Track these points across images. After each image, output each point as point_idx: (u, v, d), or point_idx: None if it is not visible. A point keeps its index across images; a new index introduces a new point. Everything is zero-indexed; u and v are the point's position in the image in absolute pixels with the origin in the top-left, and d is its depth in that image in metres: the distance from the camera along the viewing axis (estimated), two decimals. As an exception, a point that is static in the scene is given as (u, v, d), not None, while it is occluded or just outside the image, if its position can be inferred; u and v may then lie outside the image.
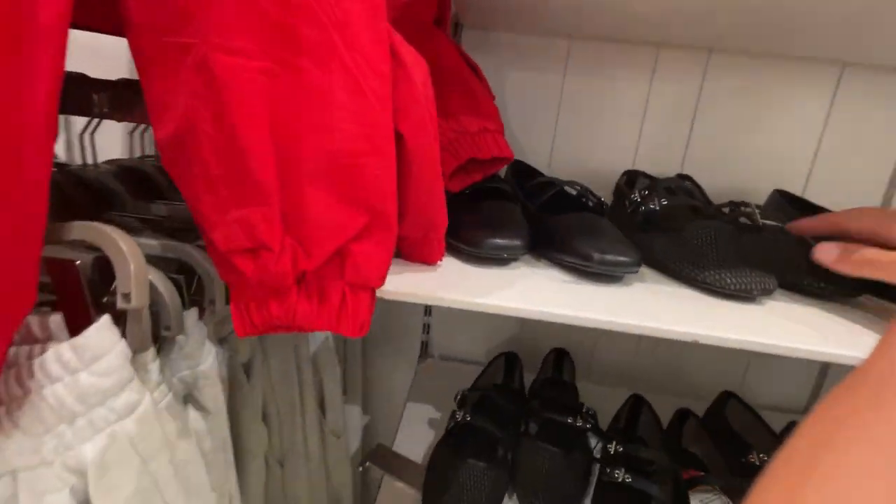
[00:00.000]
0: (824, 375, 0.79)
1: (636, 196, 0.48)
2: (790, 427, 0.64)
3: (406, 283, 0.36)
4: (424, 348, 0.86)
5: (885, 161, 0.70)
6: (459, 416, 0.59)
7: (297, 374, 0.54)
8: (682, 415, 0.64)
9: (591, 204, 0.48)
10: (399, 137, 0.31)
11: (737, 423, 0.67)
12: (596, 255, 0.37)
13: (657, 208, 0.44)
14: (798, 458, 0.17)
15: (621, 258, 0.38)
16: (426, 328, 0.85)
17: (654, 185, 0.48)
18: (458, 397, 0.63)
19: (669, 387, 0.81)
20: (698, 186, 0.54)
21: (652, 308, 0.36)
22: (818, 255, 0.39)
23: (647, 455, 0.53)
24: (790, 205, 0.55)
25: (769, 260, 0.41)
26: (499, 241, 0.38)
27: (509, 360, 0.74)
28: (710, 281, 0.38)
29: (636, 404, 0.66)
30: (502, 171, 0.59)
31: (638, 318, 0.33)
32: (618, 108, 0.71)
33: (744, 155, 0.71)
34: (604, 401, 0.70)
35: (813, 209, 0.57)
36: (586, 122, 0.72)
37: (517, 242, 0.39)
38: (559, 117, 0.72)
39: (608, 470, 0.53)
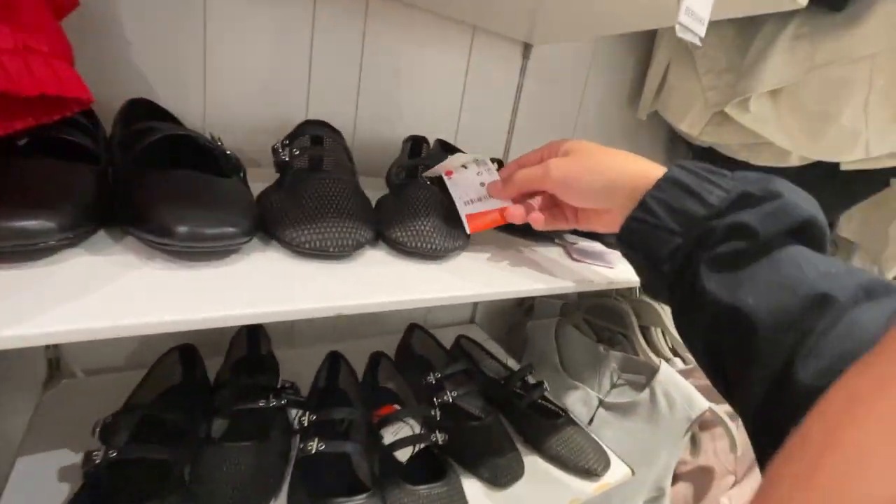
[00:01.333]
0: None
1: (281, 151, 0.42)
2: (460, 340, 0.78)
3: None
4: (53, 366, 0.61)
5: (505, 114, 0.87)
6: (99, 456, 0.43)
7: None
8: (376, 357, 0.68)
9: (224, 163, 0.39)
10: None
11: (422, 349, 0.76)
12: (180, 230, 0.28)
13: (288, 160, 0.40)
14: (814, 436, 0.15)
15: (216, 230, 0.29)
16: (51, 339, 0.60)
17: (292, 138, 0.43)
18: (99, 429, 0.46)
19: (370, 330, 0.86)
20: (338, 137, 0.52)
21: (273, 287, 0.31)
22: (489, 190, 0.44)
23: (338, 415, 0.53)
24: (449, 152, 0.62)
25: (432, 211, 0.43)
26: (17, 224, 0.25)
27: (184, 354, 0.60)
28: (288, 239, 0.34)
29: (333, 361, 0.65)
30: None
31: (256, 305, 0.28)
32: (286, 57, 0.62)
33: (408, 106, 0.75)
34: (309, 363, 0.67)
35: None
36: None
37: (51, 224, 0.26)
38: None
39: (302, 445, 0.50)
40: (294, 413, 0.58)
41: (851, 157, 0.72)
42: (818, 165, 0.83)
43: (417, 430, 0.58)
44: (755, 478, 0.67)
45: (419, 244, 0.38)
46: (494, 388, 0.70)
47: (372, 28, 0.67)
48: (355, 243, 0.36)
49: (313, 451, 0.49)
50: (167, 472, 0.47)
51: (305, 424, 0.52)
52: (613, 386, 0.77)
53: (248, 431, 0.53)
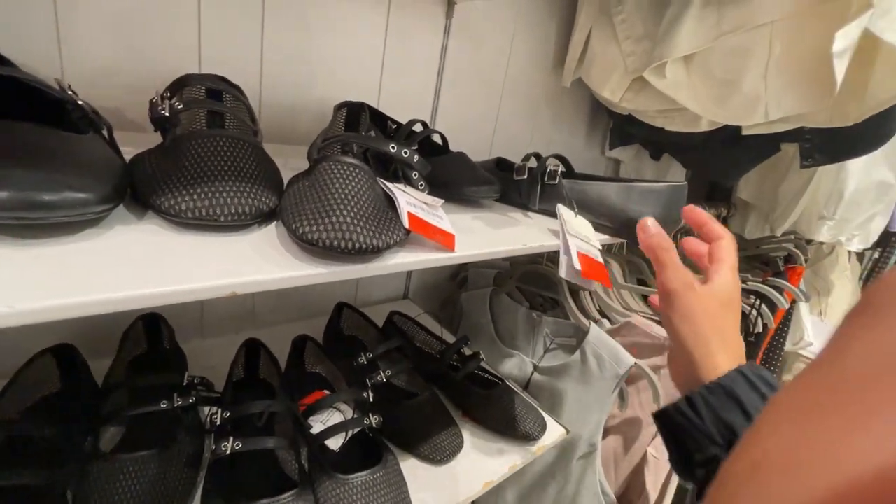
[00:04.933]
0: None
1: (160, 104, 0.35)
2: (392, 317, 0.74)
3: None
4: None
5: (430, 76, 0.82)
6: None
7: None
8: (300, 342, 0.62)
9: (76, 116, 0.31)
10: None
11: (352, 329, 0.71)
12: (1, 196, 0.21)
13: (169, 115, 0.33)
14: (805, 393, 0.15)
15: (55, 196, 0.22)
16: None
17: (175, 89, 0.35)
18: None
19: (295, 314, 0.79)
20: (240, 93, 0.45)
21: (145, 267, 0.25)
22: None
23: (256, 408, 0.47)
24: (377, 122, 0.56)
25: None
26: None
27: (61, 356, 0.51)
28: (165, 207, 0.28)
29: (251, 350, 0.59)
30: None
31: (122, 288, 0.22)
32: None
33: (322, 66, 0.68)
34: (225, 355, 0.59)
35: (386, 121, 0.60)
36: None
37: None
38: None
39: (215, 446, 0.44)
40: (207, 412, 0.52)
41: (752, 122, 0.77)
42: (723, 130, 0.89)
43: (350, 415, 0.55)
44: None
45: (337, 240, 0.28)
46: (430, 363, 0.67)
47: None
48: (255, 211, 0.30)
49: (228, 452, 0.43)
50: (43, 499, 0.39)
51: (218, 423, 0.46)
52: (547, 350, 0.78)
53: (148, 439, 0.46)
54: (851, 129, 0.76)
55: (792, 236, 1.11)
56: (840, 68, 0.63)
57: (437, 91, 0.83)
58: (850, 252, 1.28)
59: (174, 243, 0.27)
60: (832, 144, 0.85)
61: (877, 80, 0.69)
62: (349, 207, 0.30)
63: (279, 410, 0.49)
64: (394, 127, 0.58)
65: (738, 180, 1.14)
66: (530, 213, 0.59)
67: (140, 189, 0.30)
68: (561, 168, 0.60)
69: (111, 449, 0.45)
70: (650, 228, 0.38)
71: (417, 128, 0.57)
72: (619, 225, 0.54)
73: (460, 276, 0.95)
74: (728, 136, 0.91)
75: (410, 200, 0.36)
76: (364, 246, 0.28)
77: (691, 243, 0.41)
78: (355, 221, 0.29)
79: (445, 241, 0.36)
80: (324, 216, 0.28)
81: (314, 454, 0.49)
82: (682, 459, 0.32)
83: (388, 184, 0.37)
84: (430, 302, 0.99)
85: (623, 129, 1.10)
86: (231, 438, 0.44)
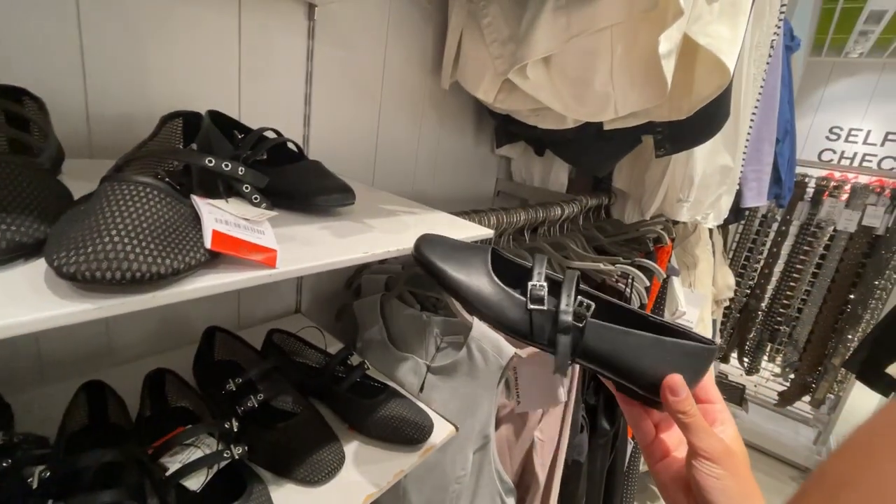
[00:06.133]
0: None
1: None
2: (271, 335, 0.70)
3: None
4: None
5: (298, 82, 0.79)
6: None
7: None
8: (155, 376, 0.57)
9: None
10: None
11: (225, 354, 0.67)
12: None
13: None
14: (833, 474, 0.15)
15: None
16: None
17: None
18: None
19: (164, 344, 0.73)
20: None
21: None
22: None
23: (86, 461, 0.42)
24: (222, 128, 0.52)
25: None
26: None
27: None
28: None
29: (92, 394, 0.53)
30: None
31: None
32: None
33: (162, 74, 0.62)
34: (63, 401, 0.52)
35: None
36: None
37: None
38: None
39: (32, 513, 0.38)
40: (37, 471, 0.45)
41: (606, 118, 0.83)
42: (590, 125, 0.96)
43: (215, 448, 0.51)
44: (556, 411, 0.76)
45: (101, 270, 0.24)
46: (313, 379, 0.65)
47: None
48: (12, 245, 0.26)
49: (49, 517, 0.38)
50: None
51: (34, 485, 0.40)
52: (438, 350, 0.79)
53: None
54: (689, 121, 0.85)
55: (661, 218, 1.23)
56: (668, 67, 0.71)
57: (308, 97, 0.81)
58: (710, 229, 1.45)
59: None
60: (678, 135, 0.95)
61: (699, 77, 0.78)
62: (123, 232, 0.27)
63: (114, 459, 0.44)
64: (241, 136, 0.55)
65: (611, 171, 1.25)
66: (402, 218, 0.58)
67: None
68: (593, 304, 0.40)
69: None
70: (680, 392, 0.35)
71: (277, 135, 0.54)
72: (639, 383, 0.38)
73: (354, 284, 0.93)
74: (595, 131, 0.98)
75: (222, 217, 0.34)
76: (138, 274, 0.26)
77: None
78: (129, 247, 0.26)
79: (265, 258, 0.34)
80: (87, 243, 0.25)
81: (166, 500, 0.44)
82: None
83: (198, 201, 0.34)
84: (326, 314, 0.96)
85: (505, 127, 1.15)
86: (50, 501, 0.39)
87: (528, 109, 0.97)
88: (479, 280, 0.40)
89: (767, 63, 1.15)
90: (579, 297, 0.38)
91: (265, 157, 0.55)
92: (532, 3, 0.82)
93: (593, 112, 0.84)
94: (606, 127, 0.91)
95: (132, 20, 0.58)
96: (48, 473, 0.41)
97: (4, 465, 0.42)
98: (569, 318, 0.37)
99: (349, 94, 0.88)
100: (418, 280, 0.86)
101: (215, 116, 0.54)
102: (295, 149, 0.57)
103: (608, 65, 0.79)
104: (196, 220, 0.33)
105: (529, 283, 0.39)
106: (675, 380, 0.35)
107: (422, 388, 0.78)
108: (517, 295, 0.39)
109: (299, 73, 0.79)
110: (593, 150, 1.05)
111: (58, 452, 0.46)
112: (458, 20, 0.95)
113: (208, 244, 0.30)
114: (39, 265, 0.28)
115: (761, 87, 1.16)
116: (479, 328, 0.72)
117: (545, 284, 0.39)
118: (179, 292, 0.29)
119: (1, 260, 0.27)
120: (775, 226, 2.34)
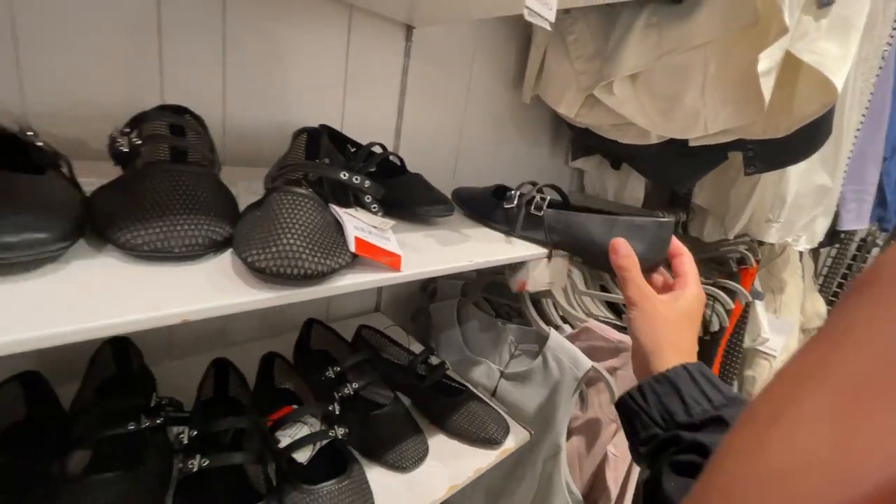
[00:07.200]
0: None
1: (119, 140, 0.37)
2: (361, 330, 0.76)
3: None
4: None
5: (393, 97, 0.86)
6: None
7: None
8: (268, 359, 0.64)
9: (36, 157, 0.33)
10: None
11: (321, 344, 0.74)
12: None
13: (128, 151, 0.35)
14: (763, 408, 0.15)
15: (17, 237, 0.25)
16: None
17: (135, 124, 0.37)
18: None
19: (264, 332, 0.81)
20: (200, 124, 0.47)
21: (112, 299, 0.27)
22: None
23: (222, 426, 0.49)
24: (336, 142, 0.58)
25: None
26: None
27: (27, 383, 0.52)
28: (122, 241, 0.30)
29: (219, 369, 0.60)
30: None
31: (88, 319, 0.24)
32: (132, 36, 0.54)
33: (286, 90, 0.70)
34: (196, 375, 0.61)
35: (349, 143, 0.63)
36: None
37: None
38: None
39: (182, 465, 0.46)
40: (176, 432, 0.53)
41: (694, 135, 0.82)
42: (674, 141, 0.94)
43: (318, 428, 0.57)
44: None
45: (283, 266, 0.30)
46: (397, 374, 0.70)
47: (234, 8, 0.61)
48: (207, 241, 0.33)
49: (195, 469, 0.45)
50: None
51: (185, 442, 0.48)
52: (512, 357, 0.81)
53: (116, 460, 0.47)
54: (785, 140, 0.82)
55: (746, 238, 1.17)
56: (767, 85, 0.69)
57: (401, 111, 0.87)
58: (800, 252, 1.35)
59: (130, 275, 0.30)
60: (770, 153, 0.91)
61: (801, 95, 0.75)
62: (296, 235, 0.32)
63: (246, 427, 0.51)
64: (353, 150, 0.61)
65: (693, 187, 1.21)
66: (493, 232, 0.62)
67: (99, 223, 0.33)
68: (548, 198, 0.60)
69: (80, 472, 0.46)
70: (621, 250, 0.45)
71: (383, 150, 0.60)
72: (599, 255, 0.50)
73: (430, 287, 0.98)
74: (679, 147, 0.96)
75: (358, 225, 0.39)
76: (309, 271, 0.31)
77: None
78: (301, 248, 0.32)
79: (391, 262, 0.38)
80: (271, 244, 0.31)
81: (282, 467, 0.51)
82: (632, 440, 0.38)
83: (338, 210, 0.40)
84: (402, 314, 1.01)
85: (582, 141, 1.16)
86: (198, 456, 0.46)
87: (609, 124, 0.97)
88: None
89: (877, 76, 1.06)
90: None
91: (374, 169, 0.60)
92: (622, 20, 0.83)
93: (681, 129, 0.83)
94: (693, 143, 0.90)
95: (264, 49, 0.66)
96: (194, 433, 0.48)
97: (157, 422, 0.50)
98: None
99: (437, 107, 0.94)
100: (495, 287, 0.90)
101: (330, 132, 0.61)
102: (398, 162, 0.63)
103: (700, 82, 0.78)
104: (336, 225, 0.39)
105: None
106: (618, 241, 0.45)
107: (494, 393, 0.80)
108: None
109: (394, 90, 0.85)
110: (676, 166, 1.03)
111: (196, 416, 0.53)
112: (542, 37, 0.98)
113: (352, 248, 0.35)
114: (224, 258, 0.34)
115: (868, 101, 1.08)
116: (556, 339, 0.73)
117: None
118: (333, 287, 0.34)
119: (199, 253, 0.33)
120: (875, 251, 2.12)
